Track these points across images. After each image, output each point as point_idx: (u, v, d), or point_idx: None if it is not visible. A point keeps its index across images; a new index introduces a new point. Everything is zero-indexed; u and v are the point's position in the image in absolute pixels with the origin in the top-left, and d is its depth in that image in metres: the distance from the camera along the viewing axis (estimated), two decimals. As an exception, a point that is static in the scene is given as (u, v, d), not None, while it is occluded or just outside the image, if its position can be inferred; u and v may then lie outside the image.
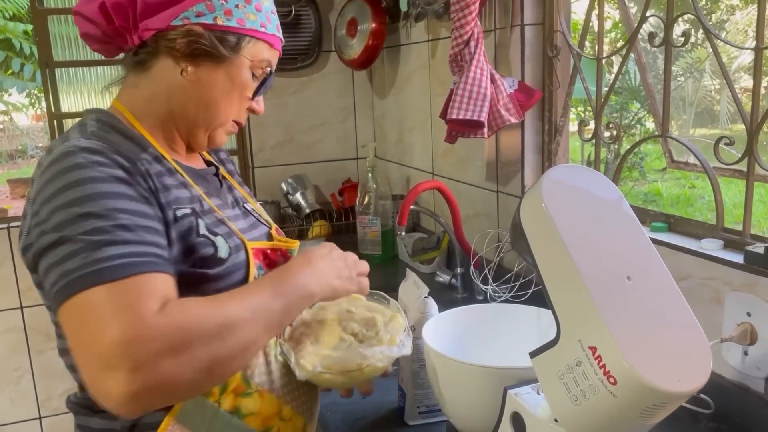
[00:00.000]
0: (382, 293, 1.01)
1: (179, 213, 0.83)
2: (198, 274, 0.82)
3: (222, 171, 1.03)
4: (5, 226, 2.18)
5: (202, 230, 0.84)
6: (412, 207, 1.72)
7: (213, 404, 0.84)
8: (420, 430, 1.05)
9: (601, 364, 0.65)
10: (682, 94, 7.00)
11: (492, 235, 1.55)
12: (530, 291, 0.93)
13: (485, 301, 1.30)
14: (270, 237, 0.99)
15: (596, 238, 0.72)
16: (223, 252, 0.85)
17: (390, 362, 0.88)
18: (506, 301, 1.11)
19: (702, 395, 0.98)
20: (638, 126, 6.51)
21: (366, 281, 0.97)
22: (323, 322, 0.93)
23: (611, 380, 0.64)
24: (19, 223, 1.32)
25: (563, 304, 0.70)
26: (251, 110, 0.96)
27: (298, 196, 2.27)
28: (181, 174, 0.88)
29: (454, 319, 1.02)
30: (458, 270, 1.69)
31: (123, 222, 0.73)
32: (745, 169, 1.05)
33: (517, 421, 0.79)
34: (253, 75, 0.91)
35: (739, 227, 1.05)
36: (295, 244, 0.99)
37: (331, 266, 0.89)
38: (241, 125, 0.96)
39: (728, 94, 6.40)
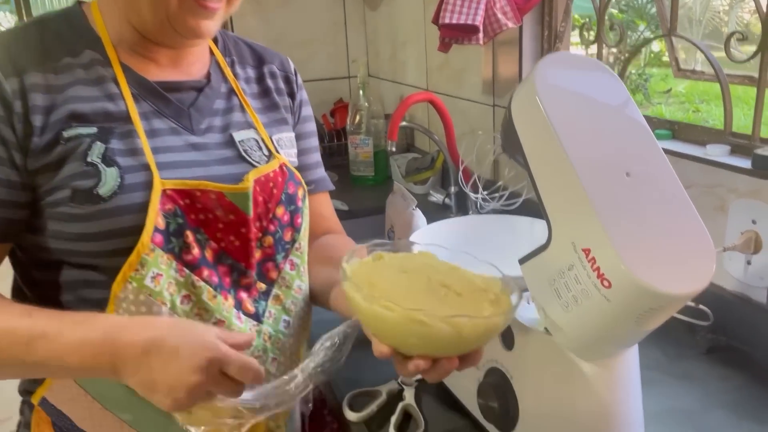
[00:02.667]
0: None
1: (69, 133, 0.70)
2: (60, 213, 0.70)
3: (236, 87, 0.83)
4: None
5: (94, 156, 0.70)
6: (404, 124, 1.65)
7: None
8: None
9: (594, 266, 0.60)
10: (690, 14, 6.76)
11: (487, 150, 1.48)
12: (521, 199, 0.88)
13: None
14: (241, 177, 0.76)
15: (593, 130, 0.65)
16: (105, 188, 0.69)
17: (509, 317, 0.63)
18: (497, 211, 1.05)
19: (701, 306, 0.94)
20: (644, 51, 6.31)
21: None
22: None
23: (605, 283, 0.59)
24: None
25: (555, 203, 0.64)
26: None
27: (288, 117, 2.18)
28: (117, 83, 0.74)
29: (442, 231, 0.97)
30: (452, 189, 1.63)
31: None
32: (756, 75, 0.97)
33: (506, 332, 0.75)
34: None
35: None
36: (240, 188, 0.75)
37: (171, 370, 0.62)
38: (210, 7, 0.73)
39: (737, 15, 6.16)
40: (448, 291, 0.63)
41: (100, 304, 0.71)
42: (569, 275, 0.63)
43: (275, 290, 0.80)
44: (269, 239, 0.78)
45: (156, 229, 0.70)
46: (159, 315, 0.71)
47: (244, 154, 0.79)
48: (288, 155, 0.86)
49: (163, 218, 0.71)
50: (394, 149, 1.42)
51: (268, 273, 0.79)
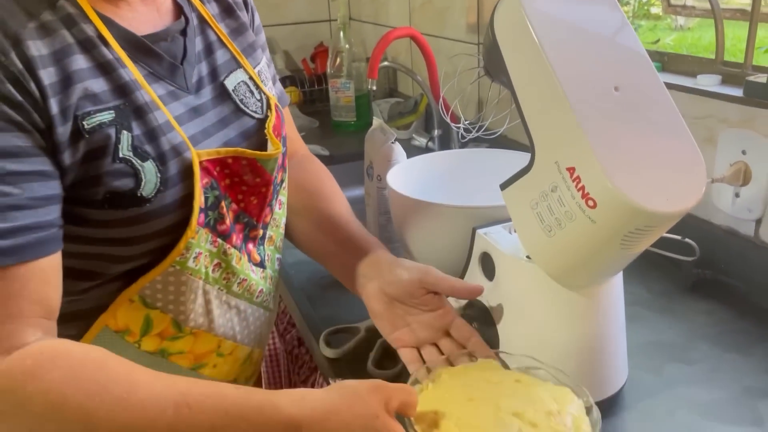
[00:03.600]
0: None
1: (90, 122, 0.58)
2: (96, 219, 0.60)
3: (205, 14, 0.74)
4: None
5: (125, 150, 0.60)
6: (386, 64, 1.59)
7: (132, 344, 0.69)
8: (388, 286, 0.99)
9: (579, 185, 0.57)
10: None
11: (471, 91, 1.43)
12: (503, 127, 0.84)
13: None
14: (255, 131, 0.72)
15: (581, 44, 0.61)
16: (148, 188, 0.61)
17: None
18: (479, 143, 1.02)
19: (687, 240, 0.92)
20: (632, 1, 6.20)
21: None
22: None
23: (590, 203, 0.56)
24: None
25: (539, 121, 0.61)
26: None
27: (267, 61, 2.11)
28: (107, 44, 0.61)
29: (422, 165, 0.93)
30: (435, 132, 1.58)
31: None
32: (748, 9, 0.93)
33: (487, 261, 0.72)
34: None
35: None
36: (273, 154, 0.72)
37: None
38: None
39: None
40: (522, 423, 0.58)
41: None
42: (552, 197, 0.60)
43: (269, 232, 0.78)
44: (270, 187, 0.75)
45: (201, 209, 0.65)
46: (186, 294, 0.67)
47: (241, 105, 0.73)
48: (271, 90, 0.80)
49: (203, 194, 0.65)
50: (374, 88, 1.37)
51: (265, 218, 0.76)
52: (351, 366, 0.80)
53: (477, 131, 0.82)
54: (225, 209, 0.69)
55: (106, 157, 0.59)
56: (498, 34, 0.64)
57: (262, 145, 0.73)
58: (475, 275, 0.74)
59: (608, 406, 0.70)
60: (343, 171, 1.69)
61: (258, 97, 0.75)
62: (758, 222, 0.89)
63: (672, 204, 0.55)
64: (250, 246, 0.75)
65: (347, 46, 1.85)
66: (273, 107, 0.76)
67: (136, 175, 0.61)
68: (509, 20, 0.63)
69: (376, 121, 1.01)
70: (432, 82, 1.50)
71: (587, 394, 0.62)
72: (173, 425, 0.52)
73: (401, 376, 0.78)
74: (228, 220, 0.69)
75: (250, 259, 0.75)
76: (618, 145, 0.56)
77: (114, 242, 0.63)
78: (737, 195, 0.91)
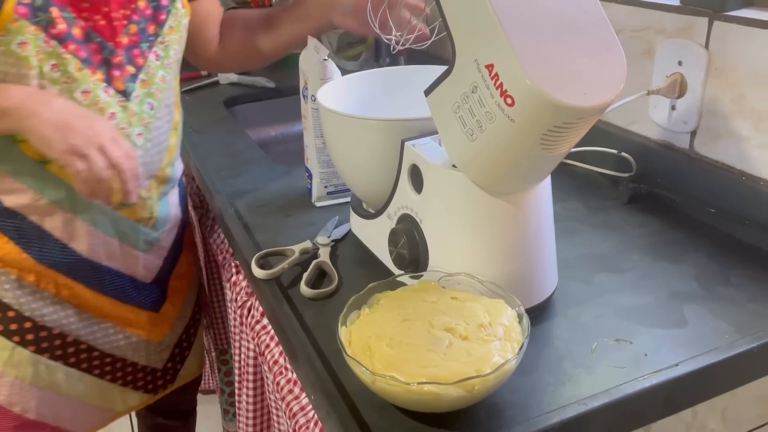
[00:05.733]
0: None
1: None
2: None
3: None
4: None
5: None
6: (330, -10, 1.53)
7: None
8: (328, 211, 0.97)
9: (497, 83, 0.55)
10: None
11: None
12: (433, 38, 0.81)
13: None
14: None
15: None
16: None
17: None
18: (423, 60, 0.99)
19: (623, 154, 0.92)
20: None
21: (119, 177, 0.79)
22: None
23: (508, 101, 0.54)
24: None
25: (458, 19, 0.58)
26: None
27: (211, -7, 2.01)
28: None
29: (355, 83, 0.90)
30: (386, 61, 1.55)
31: None
32: None
33: (415, 173, 0.71)
34: None
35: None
36: None
37: (72, 115, 0.79)
38: None
39: None
40: (453, 337, 0.58)
41: None
42: (473, 98, 0.58)
43: (141, 75, 0.92)
44: (133, 27, 0.89)
45: (19, 2, 0.78)
46: (27, 78, 0.81)
47: None
48: None
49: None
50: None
51: (136, 59, 0.90)
52: (285, 287, 0.79)
53: (407, 43, 0.79)
54: (59, 17, 0.81)
55: None
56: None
57: None
58: (404, 189, 0.73)
59: (538, 314, 0.71)
60: (291, 104, 1.65)
61: None
62: (693, 134, 0.89)
63: (590, 98, 0.53)
64: (115, 72, 0.88)
65: (292, -27, 1.77)
66: None
67: None
68: None
69: (311, 40, 0.97)
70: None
71: (519, 304, 0.62)
72: None
73: (335, 294, 0.77)
74: (62, 27, 0.82)
75: (109, 82, 0.88)
76: (537, 41, 0.54)
77: None
78: (673, 107, 0.90)
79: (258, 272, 0.80)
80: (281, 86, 1.64)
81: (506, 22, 0.54)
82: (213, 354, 1.35)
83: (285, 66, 1.83)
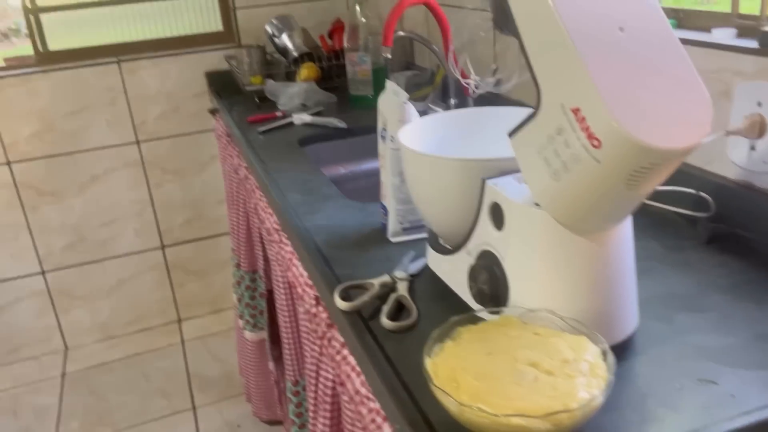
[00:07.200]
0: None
1: None
2: None
3: None
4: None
5: None
6: (402, 34, 1.59)
7: None
8: (403, 247, 1.01)
9: (584, 126, 0.57)
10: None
11: (486, 57, 1.43)
12: (513, 81, 0.84)
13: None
14: None
15: (585, -15, 0.61)
16: None
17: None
18: (490, 101, 1.02)
19: (702, 194, 0.92)
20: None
21: None
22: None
23: (594, 143, 0.57)
24: None
25: (544, 64, 0.61)
26: None
27: (285, 38, 2.12)
28: None
29: (433, 124, 0.94)
30: (452, 102, 1.59)
31: None
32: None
33: (496, 211, 0.73)
34: None
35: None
36: None
37: None
38: None
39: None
40: (538, 372, 0.60)
41: None
42: (558, 140, 0.61)
43: None
44: None
45: None
46: None
47: None
48: None
49: None
50: (389, 56, 1.38)
51: None
52: (366, 319, 0.82)
53: (488, 87, 0.83)
54: None
55: None
56: (504, -19, 0.65)
57: None
58: (484, 226, 0.75)
59: (619, 352, 0.71)
60: (362, 143, 1.71)
61: None
62: (774, 174, 0.89)
63: (676, 140, 0.55)
64: None
65: (363, 19, 1.85)
66: None
67: None
68: (515, -33, 0.63)
69: (389, 84, 1.02)
70: (446, 48, 1.50)
71: (603, 341, 0.63)
72: None
73: (414, 327, 0.80)
74: None
75: None
76: (622, 84, 0.57)
77: None
78: (753, 148, 0.90)
79: (341, 304, 0.84)
80: (352, 126, 1.71)
81: (591, 65, 0.57)
82: (282, 385, 1.39)
83: (356, 107, 1.91)
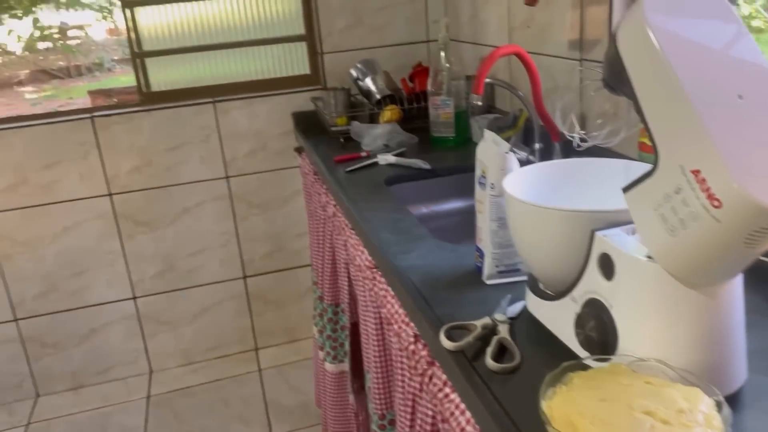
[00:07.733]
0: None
1: None
2: None
3: None
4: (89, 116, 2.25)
5: None
6: (487, 81, 1.65)
7: None
8: (498, 289, 1.04)
9: (704, 187, 0.61)
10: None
11: (573, 105, 1.47)
12: (620, 137, 0.88)
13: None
14: None
15: (704, 55, 0.65)
16: None
17: None
18: (593, 154, 1.05)
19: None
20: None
21: None
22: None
23: (715, 203, 0.60)
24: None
25: (664, 127, 0.65)
26: None
27: (368, 81, 2.22)
28: None
29: (536, 173, 0.98)
30: (537, 146, 1.63)
31: None
32: None
33: (606, 262, 0.76)
34: None
35: None
36: None
37: None
38: None
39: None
40: (654, 421, 0.61)
41: None
42: (676, 199, 0.64)
43: None
44: None
45: None
46: None
47: None
48: None
49: None
50: (480, 103, 1.44)
51: None
52: (469, 359, 0.86)
53: (592, 140, 0.87)
54: None
55: None
56: (621, 48, 0.69)
57: None
58: (592, 275, 0.78)
59: (729, 405, 0.72)
60: (445, 183, 1.77)
61: None
62: None
63: (799, 203, 0.58)
64: None
65: (447, 65, 1.93)
66: None
67: None
68: (633, 36, 0.68)
69: (488, 134, 1.07)
70: (536, 96, 1.55)
71: (717, 393, 0.65)
72: None
73: (518, 370, 0.83)
74: None
75: None
76: (742, 147, 0.60)
77: None
78: None
79: (447, 344, 0.88)
80: (436, 167, 1.77)
81: (712, 130, 0.60)
82: (361, 417, 1.42)
83: (437, 148, 1.98)
